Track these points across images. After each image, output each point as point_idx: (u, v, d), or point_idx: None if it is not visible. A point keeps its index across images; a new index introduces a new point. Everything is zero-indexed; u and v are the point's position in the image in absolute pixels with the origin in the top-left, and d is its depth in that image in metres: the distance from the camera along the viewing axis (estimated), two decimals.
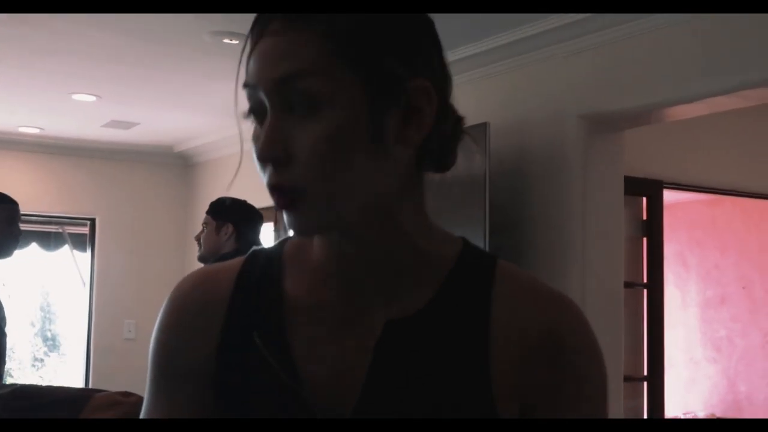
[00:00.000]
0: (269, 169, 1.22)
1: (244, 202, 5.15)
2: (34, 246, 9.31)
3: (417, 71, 1.25)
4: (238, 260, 1.40)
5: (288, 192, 1.21)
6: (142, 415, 1.39)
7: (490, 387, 1.25)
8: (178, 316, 1.37)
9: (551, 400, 1.27)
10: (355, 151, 1.22)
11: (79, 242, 9.22)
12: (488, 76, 5.50)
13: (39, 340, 10.89)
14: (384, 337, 1.27)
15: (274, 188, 1.22)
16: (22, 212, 4.88)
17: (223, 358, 1.32)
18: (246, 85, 1.25)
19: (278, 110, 1.22)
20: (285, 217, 1.23)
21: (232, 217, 4.98)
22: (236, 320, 1.33)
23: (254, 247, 1.43)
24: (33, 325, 10.89)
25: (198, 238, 5.05)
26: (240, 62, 1.28)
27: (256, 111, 1.25)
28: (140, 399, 2.80)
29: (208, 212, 5.04)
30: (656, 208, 6.08)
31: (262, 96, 1.23)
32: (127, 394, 2.85)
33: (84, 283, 9.10)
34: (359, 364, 1.26)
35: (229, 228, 4.94)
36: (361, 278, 1.30)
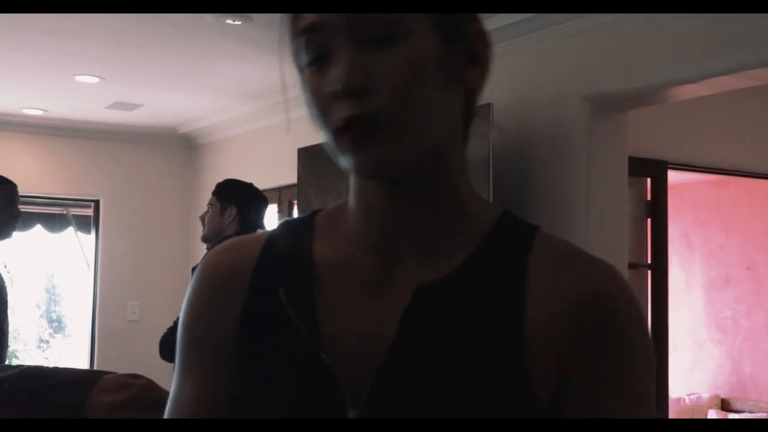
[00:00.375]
0: (346, 102, 1.18)
1: (250, 185, 5.17)
2: (38, 228, 9.30)
3: (476, 18, 1.28)
4: (267, 232, 1.41)
5: (369, 122, 1.19)
6: (171, 393, 1.39)
7: (524, 355, 1.20)
8: (205, 289, 1.37)
9: (596, 370, 1.22)
10: (432, 83, 1.22)
11: (84, 224, 9.21)
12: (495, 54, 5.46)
13: (44, 322, 10.90)
14: (414, 301, 1.23)
15: (354, 119, 1.18)
16: (26, 194, 4.89)
17: (247, 320, 1.31)
18: (309, 29, 1.23)
19: (354, 43, 1.20)
20: (353, 157, 1.21)
21: (237, 199, 5.00)
22: (261, 283, 1.32)
23: (283, 219, 1.44)
24: (38, 306, 10.91)
25: (203, 219, 5.07)
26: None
27: (318, 57, 1.22)
28: (149, 382, 2.81)
29: (213, 193, 5.06)
30: (660, 188, 6.07)
31: (333, 32, 1.21)
32: (135, 377, 2.84)
33: (88, 265, 9.10)
34: (386, 328, 1.23)
35: (233, 210, 4.96)
36: (396, 237, 1.28)
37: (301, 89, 1.27)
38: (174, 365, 1.41)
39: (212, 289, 1.36)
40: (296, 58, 1.27)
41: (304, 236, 1.34)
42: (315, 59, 1.23)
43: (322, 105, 1.21)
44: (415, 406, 1.20)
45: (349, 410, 1.21)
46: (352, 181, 1.31)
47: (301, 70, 1.27)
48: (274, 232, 1.39)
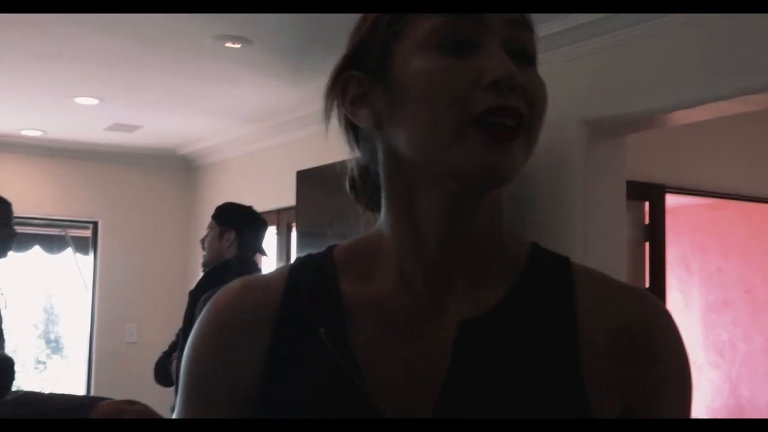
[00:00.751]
0: (495, 95, 1.15)
1: (249, 208, 5.17)
2: (36, 249, 9.29)
3: None
4: (283, 268, 1.34)
5: (516, 123, 1.17)
6: None
7: (583, 384, 1.19)
8: (218, 335, 1.29)
9: (649, 401, 1.22)
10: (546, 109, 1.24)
11: (82, 245, 9.21)
12: None
13: (42, 342, 10.87)
14: (461, 336, 1.20)
15: (505, 111, 1.16)
16: (24, 215, 4.89)
17: (275, 367, 1.25)
18: (463, 14, 1.19)
19: (499, 45, 1.19)
20: (489, 154, 1.16)
21: (236, 223, 5.00)
22: (289, 326, 1.26)
23: (297, 257, 1.37)
24: (36, 327, 10.88)
25: (203, 242, 5.07)
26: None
27: (460, 44, 1.18)
28: (145, 408, 2.79)
29: (213, 217, 5.06)
30: (658, 212, 6.08)
31: (486, 27, 1.19)
32: (131, 402, 2.82)
33: (86, 286, 9.09)
34: (433, 366, 1.20)
35: (232, 234, 4.96)
36: (448, 268, 1.25)
37: (398, 58, 1.22)
38: (175, 401, 1.36)
39: (227, 335, 1.28)
40: (382, 34, 1.24)
41: (328, 273, 1.30)
42: (453, 44, 1.19)
43: (456, 91, 1.16)
44: None
45: None
46: (401, 201, 1.26)
47: (396, 49, 1.22)
48: (294, 270, 1.32)
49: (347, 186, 1.40)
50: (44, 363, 11.14)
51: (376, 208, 1.34)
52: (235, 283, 1.34)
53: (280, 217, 7.84)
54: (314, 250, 1.34)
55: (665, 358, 1.24)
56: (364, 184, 1.37)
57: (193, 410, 1.29)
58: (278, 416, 1.22)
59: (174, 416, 1.34)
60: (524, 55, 1.21)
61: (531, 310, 1.24)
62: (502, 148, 1.16)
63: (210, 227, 5.03)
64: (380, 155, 1.29)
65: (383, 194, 1.30)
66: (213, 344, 1.29)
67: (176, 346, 5.12)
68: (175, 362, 5.01)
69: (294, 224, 7.19)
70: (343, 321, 1.23)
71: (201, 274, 5.06)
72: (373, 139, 1.29)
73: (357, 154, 1.35)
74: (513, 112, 1.16)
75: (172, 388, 4.71)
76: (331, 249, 1.34)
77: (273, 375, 1.24)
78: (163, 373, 5.14)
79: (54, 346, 10.71)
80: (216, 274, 4.86)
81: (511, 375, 1.19)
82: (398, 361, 1.21)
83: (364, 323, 1.24)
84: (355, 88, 1.26)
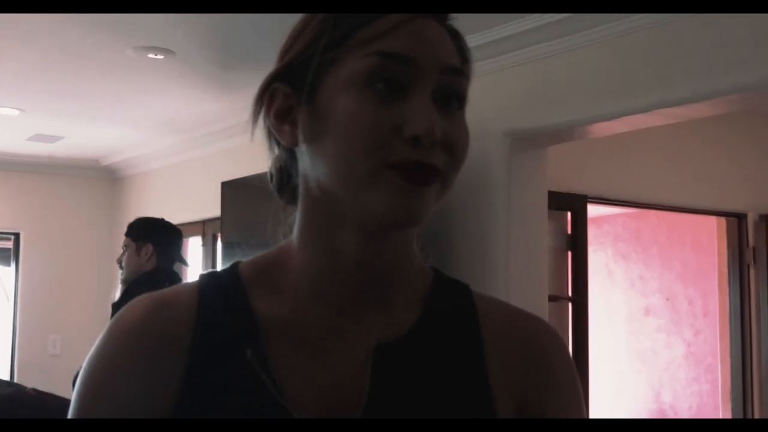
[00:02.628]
0: (413, 149, 1.17)
1: (162, 220, 5.17)
2: None
3: None
4: (187, 285, 1.32)
5: (433, 173, 1.19)
6: None
7: (492, 400, 1.27)
8: (127, 356, 1.24)
9: (546, 410, 1.31)
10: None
11: (3, 257, 9.10)
12: None
13: None
14: (378, 359, 1.23)
15: (425, 167, 1.18)
16: None
17: (193, 388, 1.21)
18: (395, 56, 1.20)
19: (431, 93, 1.20)
20: (400, 196, 1.18)
21: (151, 236, 4.99)
22: (206, 346, 1.24)
23: (201, 272, 1.36)
24: None
25: (119, 260, 5.04)
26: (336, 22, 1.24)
27: (391, 85, 1.19)
28: None
29: (126, 234, 5.03)
30: (580, 221, 6.11)
31: (418, 73, 1.20)
32: None
33: (8, 298, 8.98)
34: (349, 386, 1.22)
35: (149, 247, 4.94)
36: (356, 293, 1.27)
37: (327, 89, 1.22)
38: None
39: (137, 357, 1.23)
40: (313, 69, 1.24)
41: (239, 291, 1.29)
42: (383, 85, 1.20)
43: (375, 134, 1.18)
44: None
45: None
46: (314, 229, 1.28)
47: (324, 85, 1.22)
48: (202, 287, 1.29)
49: (269, 179, 1.39)
50: None
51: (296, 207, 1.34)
52: (141, 300, 1.29)
53: (206, 228, 7.80)
54: (240, 260, 1.33)
55: (558, 373, 1.34)
56: (283, 184, 1.36)
57: None
58: None
59: None
60: (454, 101, 1.23)
61: (440, 334, 1.30)
62: (414, 192, 1.18)
63: (125, 244, 5.00)
64: (300, 173, 1.29)
65: (299, 213, 1.30)
66: (123, 366, 1.24)
67: None
68: None
69: (219, 235, 7.16)
70: (262, 341, 1.23)
71: (122, 289, 5.02)
72: (295, 156, 1.30)
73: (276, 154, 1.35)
74: (428, 168, 1.19)
75: None
76: (236, 266, 1.33)
77: (192, 397, 1.21)
78: None
79: None
80: (141, 284, 4.82)
81: (425, 394, 1.24)
82: (314, 380, 1.22)
83: (280, 343, 1.24)
84: (282, 102, 1.27)
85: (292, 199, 1.34)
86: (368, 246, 1.25)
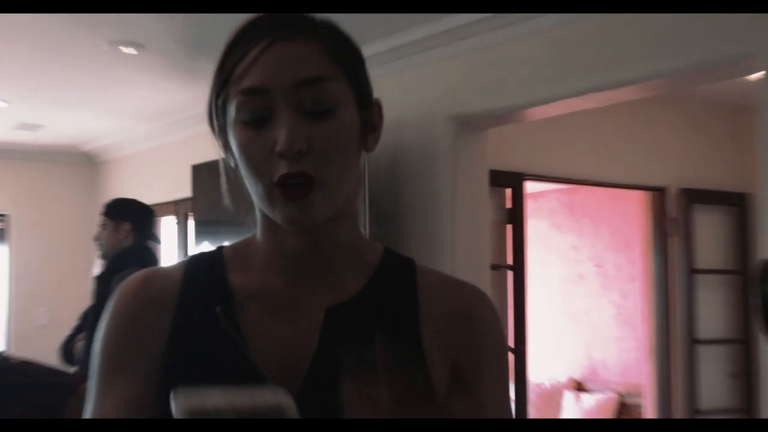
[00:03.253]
0: (285, 163, 1.24)
1: (136, 200, 5.12)
2: None
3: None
4: (180, 262, 1.43)
5: (306, 180, 1.25)
6: (91, 409, 1.37)
7: (424, 355, 1.33)
8: (130, 314, 1.37)
9: (473, 364, 1.37)
10: (352, 150, 1.32)
11: None
12: None
13: None
14: (326, 318, 1.31)
15: (293, 177, 1.25)
16: None
17: (177, 339, 1.34)
18: (253, 90, 1.27)
19: (293, 109, 1.25)
20: (289, 210, 1.27)
21: (128, 215, 4.95)
22: (187, 307, 1.36)
23: (191, 254, 1.48)
24: None
25: (97, 238, 4.98)
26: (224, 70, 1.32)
27: (256, 116, 1.27)
28: None
29: (104, 214, 4.97)
30: (518, 197, 6.12)
31: (276, 97, 1.26)
32: None
33: (1, 274, 8.94)
34: (305, 344, 1.31)
35: (127, 225, 4.89)
36: (306, 270, 1.36)
37: (228, 139, 1.32)
38: (91, 385, 1.38)
39: (137, 315, 1.36)
40: (221, 111, 1.32)
41: (217, 267, 1.40)
42: (252, 119, 1.27)
43: (259, 160, 1.27)
44: (337, 407, 1.28)
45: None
46: (263, 224, 1.38)
47: (227, 122, 1.31)
48: (189, 264, 1.42)
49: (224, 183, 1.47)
50: None
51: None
52: (138, 274, 1.42)
53: (178, 208, 7.76)
54: (210, 237, 1.45)
55: (485, 332, 1.41)
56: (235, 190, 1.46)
57: (110, 382, 1.35)
58: (180, 381, 1.22)
59: (90, 391, 1.38)
60: (320, 109, 1.27)
61: (382, 300, 1.37)
62: (296, 204, 1.27)
63: (103, 224, 4.94)
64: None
65: (256, 210, 1.40)
66: (125, 325, 1.36)
67: (80, 328, 5.05)
68: (79, 343, 4.94)
69: (191, 214, 7.12)
70: (233, 303, 1.34)
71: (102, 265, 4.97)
72: None
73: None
74: (299, 176, 1.25)
75: (76, 367, 4.62)
76: (220, 248, 1.44)
77: (175, 348, 1.33)
78: (68, 354, 5.07)
79: None
80: (120, 259, 4.82)
81: (365, 349, 1.31)
82: (275, 337, 1.32)
83: (248, 306, 1.35)
84: (222, 147, 1.38)
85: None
86: (301, 239, 1.35)
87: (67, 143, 8.79)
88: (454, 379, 1.35)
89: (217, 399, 1.04)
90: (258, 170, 1.27)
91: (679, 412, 6.93)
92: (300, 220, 1.28)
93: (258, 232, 1.41)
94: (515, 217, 6.09)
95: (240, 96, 1.27)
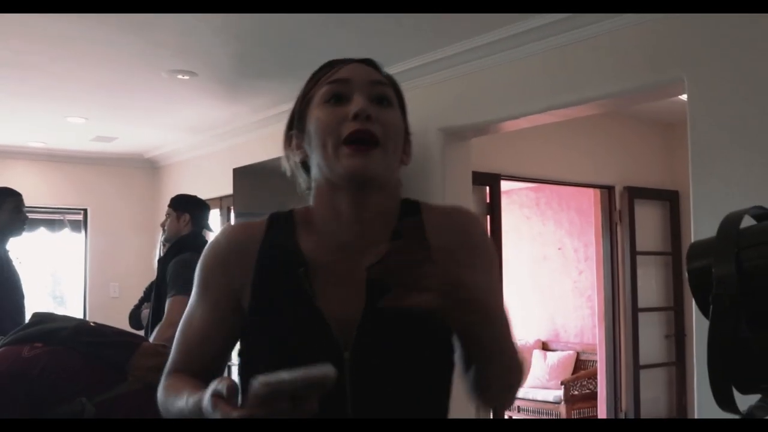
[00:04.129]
0: (356, 123, 1.34)
1: (196, 196, 5.10)
2: (42, 229, 9.15)
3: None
4: (262, 220, 1.48)
5: (371, 139, 1.34)
6: (185, 315, 1.46)
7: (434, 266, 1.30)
8: (221, 249, 1.44)
9: (470, 265, 1.39)
10: (400, 137, 1.43)
11: (76, 226, 9.05)
12: None
13: (50, 299, 10.63)
14: (369, 276, 1.27)
15: (362, 132, 1.34)
16: (34, 205, 4.78)
17: (259, 289, 1.39)
18: (338, 80, 1.41)
19: (365, 96, 1.39)
20: (353, 161, 1.33)
21: (188, 208, 4.92)
22: (266, 258, 1.41)
23: (271, 212, 1.49)
24: (45, 287, 10.65)
25: (163, 225, 4.98)
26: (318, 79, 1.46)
27: (338, 97, 1.39)
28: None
29: (170, 205, 4.96)
30: (496, 194, 6.13)
31: (354, 86, 1.40)
32: (165, 346, 2.76)
33: (81, 257, 8.94)
34: (358, 299, 1.34)
35: (187, 216, 4.87)
36: (354, 231, 1.40)
37: (309, 115, 1.42)
38: (191, 294, 1.47)
39: (229, 253, 1.43)
40: (309, 94, 1.44)
41: (289, 229, 1.44)
42: (333, 98, 1.39)
43: (333, 125, 1.36)
44: (386, 346, 1.33)
45: (345, 353, 1.33)
46: (321, 192, 1.42)
47: (309, 110, 1.42)
48: (270, 221, 1.47)
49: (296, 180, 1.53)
50: None
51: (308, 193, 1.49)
52: (229, 225, 1.53)
53: (222, 203, 7.76)
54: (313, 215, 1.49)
55: (477, 241, 1.46)
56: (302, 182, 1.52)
57: (204, 298, 1.44)
58: (260, 323, 1.37)
59: (187, 307, 1.47)
60: (384, 101, 1.42)
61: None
62: (361, 156, 1.34)
63: (168, 213, 4.93)
64: (311, 173, 1.46)
65: (313, 192, 1.46)
66: (216, 260, 1.45)
67: (144, 299, 5.04)
68: (144, 311, 4.94)
69: (232, 207, 7.13)
70: (305, 264, 1.38)
71: (163, 248, 4.97)
72: (308, 165, 1.47)
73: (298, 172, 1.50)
74: (366, 132, 1.35)
75: (141, 331, 4.63)
76: (291, 211, 1.49)
77: (257, 291, 1.39)
78: (136, 321, 5.07)
79: (59, 300, 10.48)
80: (179, 245, 4.80)
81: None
82: (335, 297, 1.36)
83: (314, 266, 1.39)
84: (295, 141, 1.47)
85: (307, 189, 1.49)
86: (355, 199, 1.38)
87: (134, 152, 8.76)
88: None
89: (283, 374, 1.05)
90: (330, 131, 1.35)
91: (624, 367, 6.93)
92: (361, 170, 1.33)
93: (314, 201, 1.45)
94: (493, 209, 6.09)
95: (327, 85, 1.41)
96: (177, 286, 4.45)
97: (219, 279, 1.43)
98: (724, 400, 1.51)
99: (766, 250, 1.47)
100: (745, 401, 1.59)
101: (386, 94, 1.42)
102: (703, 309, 1.54)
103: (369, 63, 1.47)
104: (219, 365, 1.44)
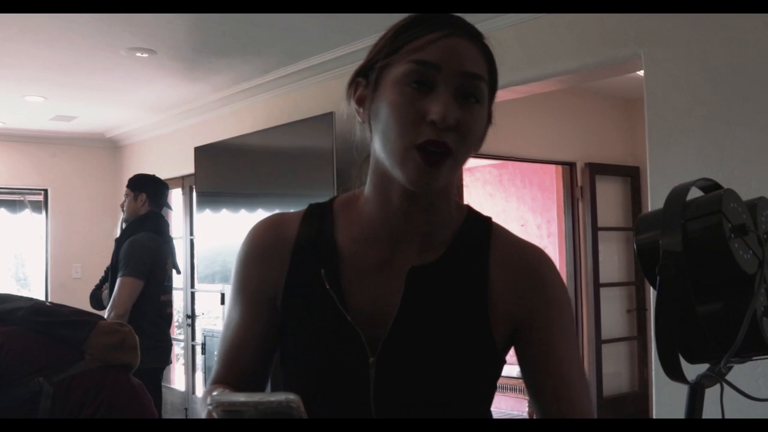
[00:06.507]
0: (433, 130, 1.18)
1: (153, 176, 5.09)
2: (2, 210, 9.07)
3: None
4: (299, 212, 1.39)
5: (445, 151, 1.19)
6: (226, 316, 1.40)
7: (488, 312, 1.26)
8: (256, 250, 1.36)
9: (541, 321, 1.29)
10: (480, 138, 1.28)
11: (37, 207, 8.97)
12: (334, 78, 5.49)
13: (13, 281, 10.56)
14: (409, 280, 1.26)
15: (437, 144, 1.18)
16: None
17: (291, 282, 1.32)
18: (427, 63, 1.20)
19: (452, 91, 1.20)
20: (421, 172, 1.19)
21: (145, 188, 4.91)
22: (300, 256, 1.33)
23: (311, 203, 1.40)
24: (9, 269, 10.56)
25: (122, 205, 4.97)
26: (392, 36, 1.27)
27: (421, 84, 1.20)
28: (131, 329, 2.71)
29: (127, 185, 4.96)
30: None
31: (443, 76, 1.20)
32: (122, 325, 2.75)
33: (42, 238, 8.87)
34: (391, 299, 1.26)
35: (144, 196, 4.87)
36: (404, 231, 1.30)
37: (376, 95, 1.25)
38: (228, 300, 1.41)
39: (262, 251, 1.35)
40: (378, 71, 1.26)
41: (326, 222, 1.35)
42: (415, 83, 1.21)
43: (409, 121, 1.20)
44: (415, 354, 1.24)
45: (370, 358, 1.24)
46: (377, 184, 1.30)
47: (382, 82, 1.25)
48: (306, 215, 1.38)
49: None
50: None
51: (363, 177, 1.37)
52: (266, 219, 1.40)
53: (184, 182, 7.73)
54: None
55: (550, 291, 1.31)
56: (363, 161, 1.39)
57: (239, 301, 1.37)
58: (291, 324, 1.31)
59: (226, 306, 1.41)
60: (471, 98, 1.22)
61: (459, 261, 1.30)
62: (429, 170, 1.19)
63: (126, 194, 4.93)
64: (371, 142, 1.30)
65: (369, 169, 1.32)
66: (249, 260, 1.36)
67: (105, 280, 5.03)
68: (104, 292, 4.92)
69: (194, 186, 7.10)
70: (336, 260, 1.30)
71: (122, 227, 4.95)
72: (370, 128, 1.30)
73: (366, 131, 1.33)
74: (442, 146, 1.18)
75: (103, 312, 4.61)
76: (332, 201, 1.39)
77: (288, 290, 1.32)
78: (96, 301, 5.05)
79: (23, 282, 10.42)
80: (135, 225, 4.79)
81: (440, 308, 1.26)
82: (368, 295, 1.28)
83: (349, 264, 1.30)
84: (360, 91, 1.30)
85: (368, 159, 1.35)
86: (409, 197, 1.27)
87: (95, 131, 8.71)
88: (525, 329, 1.29)
89: (242, 397, 0.99)
90: (404, 129, 1.19)
91: (586, 341, 7.00)
92: (427, 183, 1.20)
93: (368, 190, 1.32)
94: (456, 187, 6.11)
95: (413, 64, 1.21)
96: (126, 267, 4.45)
97: (253, 280, 1.36)
98: (671, 369, 1.54)
99: (712, 220, 1.49)
100: (693, 371, 1.62)
101: (476, 90, 1.23)
102: (651, 280, 1.57)
103: (467, 34, 1.26)
104: (261, 370, 1.38)
